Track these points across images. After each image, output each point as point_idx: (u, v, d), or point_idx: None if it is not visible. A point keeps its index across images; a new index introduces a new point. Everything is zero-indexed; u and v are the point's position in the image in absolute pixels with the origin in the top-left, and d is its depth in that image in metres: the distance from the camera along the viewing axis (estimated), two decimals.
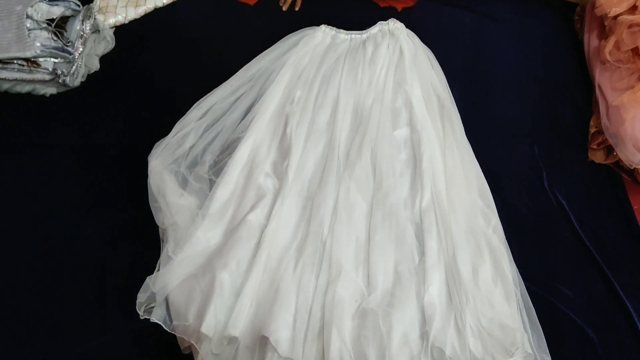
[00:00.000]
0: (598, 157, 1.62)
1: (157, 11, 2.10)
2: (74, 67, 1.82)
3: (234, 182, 1.43)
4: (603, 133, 1.60)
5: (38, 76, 1.79)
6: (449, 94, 1.61)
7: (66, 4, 1.82)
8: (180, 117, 1.59)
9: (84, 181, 1.63)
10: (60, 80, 1.81)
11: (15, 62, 1.76)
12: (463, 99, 1.67)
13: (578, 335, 1.32)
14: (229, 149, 1.52)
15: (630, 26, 1.63)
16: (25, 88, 1.83)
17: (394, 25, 1.77)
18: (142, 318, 1.25)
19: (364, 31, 1.75)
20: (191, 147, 1.53)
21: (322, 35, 1.76)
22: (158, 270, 1.30)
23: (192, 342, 1.19)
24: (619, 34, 1.63)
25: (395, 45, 1.73)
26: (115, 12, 2.03)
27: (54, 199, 1.59)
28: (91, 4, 1.93)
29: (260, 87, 1.64)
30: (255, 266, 1.26)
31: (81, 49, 1.83)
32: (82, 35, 1.84)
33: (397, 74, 1.64)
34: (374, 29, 1.75)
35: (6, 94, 1.83)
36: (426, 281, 1.24)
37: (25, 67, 1.77)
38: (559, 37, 1.94)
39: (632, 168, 1.56)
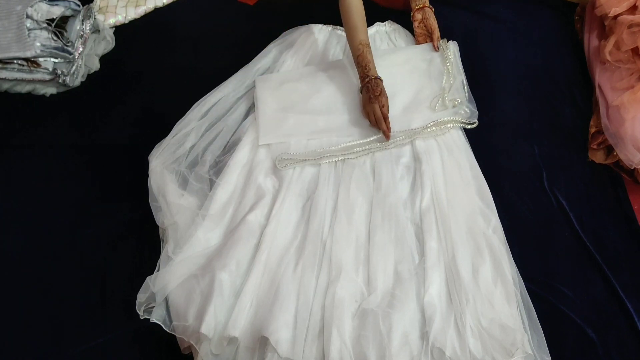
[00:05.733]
0: (598, 157, 1.62)
1: (157, 11, 2.10)
2: (74, 67, 1.82)
3: (234, 182, 1.43)
4: (603, 133, 1.60)
5: (38, 76, 1.79)
6: None
7: (66, 4, 1.82)
8: (180, 117, 1.59)
9: (84, 181, 1.63)
10: (60, 80, 1.81)
11: (15, 62, 1.76)
12: None
13: (578, 335, 1.32)
14: (229, 149, 1.52)
15: (630, 26, 1.63)
16: (25, 88, 1.83)
17: (391, 27, 1.78)
18: (142, 318, 1.25)
19: None
20: (192, 147, 1.53)
21: (319, 32, 1.76)
22: (158, 270, 1.30)
23: (192, 342, 1.19)
24: (619, 34, 1.63)
25: (394, 46, 1.74)
26: (115, 12, 2.04)
27: (54, 198, 1.59)
28: (91, 4, 1.94)
29: None
30: (255, 266, 1.26)
31: (81, 49, 1.83)
32: (82, 35, 1.85)
33: None
34: (371, 30, 1.76)
35: (6, 94, 1.84)
36: (426, 281, 1.24)
37: (25, 67, 1.77)
38: (559, 37, 1.93)
39: (632, 168, 1.56)
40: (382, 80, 1.50)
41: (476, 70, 1.74)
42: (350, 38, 1.56)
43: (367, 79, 1.49)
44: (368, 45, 1.54)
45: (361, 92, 1.53)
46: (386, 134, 1.45)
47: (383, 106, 1.46)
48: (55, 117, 1.80)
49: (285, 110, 1.54)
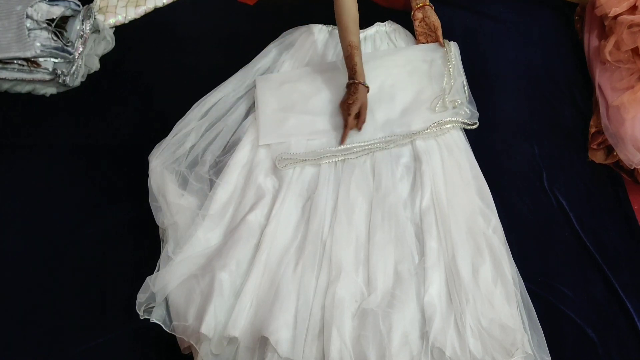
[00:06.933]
0: (598, 157, 1.62)
1: (157, 11, 2.10)
2: (74, 67, 1.82)
3: (234, 182, 1.43)
4: (603, 133, 1.60)
5: (38, 76, 1.79)
6: None
7: (66, 4, 1.82)
8: (180, 117, 1.59)
9: (84, 181, 1.63)
10: (60, 80, 1.81)
11: (15, 62, 1.76)
12: None
13: (578, 335, 1.32)
14: (229, 149, 1.52)
15: (630, 26, 1.63)
16: (25, 88, 1.83)
17: (391, 27, 1.78)
18: (142, 318, 1.25)
19: (361, 30, 1.75)
20: (192, 147, 1.53)
21: (319, 32, 1.77)
22: (158, 270, 1.30)
23: (192, 342, 1.19)
24: (619, 34, 1.63)
25: (394, 46, 1.74)
26: (115, 12, 2.04)
27: (54, 198, 1.59)
28: (91, 4, 1.94)
29: None
30: (255, 266, 1.26)
31: (81, 49, 1.84)
32: (82, 35, 1.85)
33: None
34: (371, 30, 1.76)
35: (6, 94, 1.84)
36: (426, 281, 1.24)
37: (25, 67, 1.77)
38: (559, 37, 1.93)
39: (632, 168, 1.56)
40: (366, 87, 1.51)
41: (476, 70, 1.74)
42: (341, 38, 1.56)
43: (351, 82, 1.50)
44: (357, 48, 1.53)
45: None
46: (342, 141, 1.47)
47: (349, 115, 1.47)
48: (55, 117, 1.80)
49: (286, 111, 1.54)
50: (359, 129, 1.49)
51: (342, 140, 1.47)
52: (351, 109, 1.47)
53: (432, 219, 1.34)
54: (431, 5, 1.67)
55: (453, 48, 1.64)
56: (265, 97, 1.57)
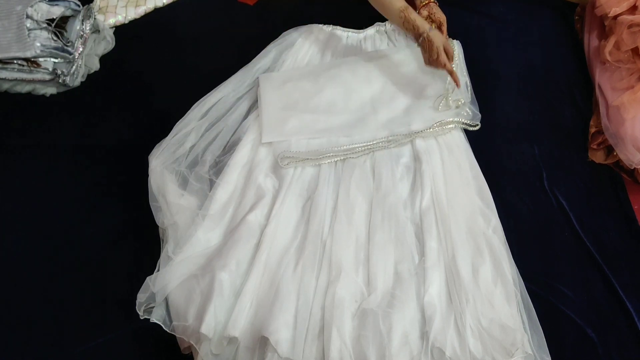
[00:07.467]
0: (598, 157, 1.62)
1: (157, 11, 2.10)
2: (74, 67, 1.82)
3: (234, 182, 1.43)
4: (603, 133, 1.60)
5: (38, 76, 1.79)
6: None
7: (66, 4, 1.82)
8: (180, 117, 1.59)
9: (84, 181, 1.63)
10: (60, 80, 1.81)
11: (15, 62, 1.76)
12: None
13: (578, 335, 1.32)
14: (230, 149, 1.52)
15: (630, 26, 1.63)
16: (25, 88, 1.83)
17: (391, 27, 1.79)
18: (142, 318, 1.25)
19: (361, 30, 1.76)
20: (192, 147, 1.53)
21: (319, 32, 1.77)
22: (158, 270, 1.30)
23: (192, 342, 1.19)
24: (619, 34, 1.63)
25: (393, 46, 1.74)
26: (115, 12, 2.04)
27: (54, 199, 1.59)
28: (91, 4, 1.94)
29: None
30: (255, 266, 1.26)
31: (81, 49, 1.84)
32: (82, 35, 1.85)
33: None
34: (371, 30, 1.76)
35: (6, 94, 1.84)
36: (426, 281, 1.24)
37: (25, 67, 1.77)
38: (559, 37, 1.94)
39: (632, 168, 1.56)
40: (433, 30, 1.48)
41: (476, 70, 1.74)
42: (389, 12, 1.55)
43: (420, 39, 1.49)
44: (407, 7, 1.52)
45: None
46: (457, 83, 1.48)
47: (445, 65, 1.47)
48: (55, 117, 1.80)
49: (288, 109, 1.54)
50: (452, 62, 1.48)
51: (457, 83, 1.48)
52: (442, 60, 1.46)
53: (432, 219, 1.34)
54: (435, 1, 1.67)
55: (457, 47, 1.64)
56: (268, 95, 1.57)
